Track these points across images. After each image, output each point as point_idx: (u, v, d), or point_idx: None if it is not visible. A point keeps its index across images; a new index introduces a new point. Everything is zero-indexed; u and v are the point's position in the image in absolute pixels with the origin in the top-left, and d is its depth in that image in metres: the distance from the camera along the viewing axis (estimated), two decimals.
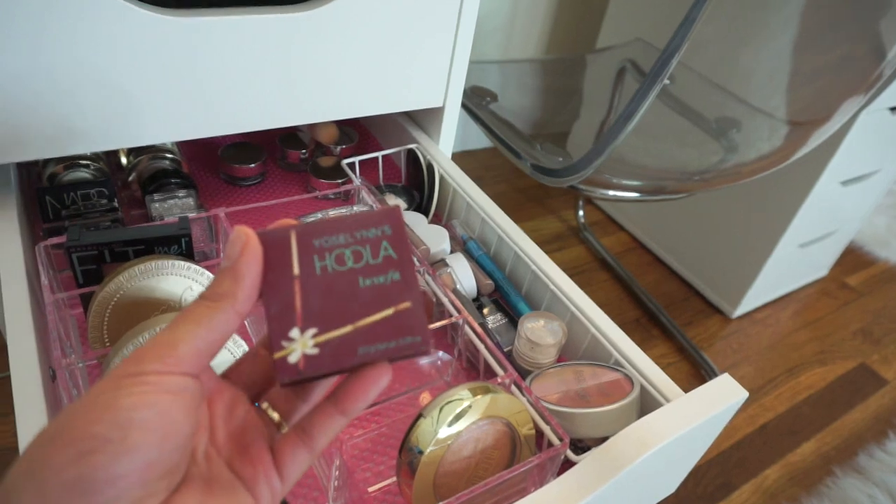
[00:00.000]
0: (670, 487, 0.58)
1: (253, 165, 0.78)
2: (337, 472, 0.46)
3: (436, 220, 0.76)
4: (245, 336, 0.57)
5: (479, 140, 1.84)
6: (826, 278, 1.65)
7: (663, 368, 0.56)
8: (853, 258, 1.73)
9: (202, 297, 0.26)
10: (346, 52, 0.65)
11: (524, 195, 1.75)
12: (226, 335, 0.26)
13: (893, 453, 1.22)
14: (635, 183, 1.04)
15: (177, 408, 0.24)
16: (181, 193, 0.67)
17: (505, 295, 0.67)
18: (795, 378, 1.35)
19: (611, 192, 1.03)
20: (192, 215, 0.57)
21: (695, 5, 0.71)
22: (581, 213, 1.66)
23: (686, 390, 0.52)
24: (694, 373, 1.31)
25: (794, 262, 1.45)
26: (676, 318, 1.42)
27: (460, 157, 1.75)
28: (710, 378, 1.28)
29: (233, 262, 0.27)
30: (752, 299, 1.44)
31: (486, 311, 0.65)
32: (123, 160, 0.73)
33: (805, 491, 1.13)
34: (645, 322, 1.41)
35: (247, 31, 0.58)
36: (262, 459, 0.28)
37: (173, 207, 0.66)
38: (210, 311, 0.26)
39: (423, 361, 0.60)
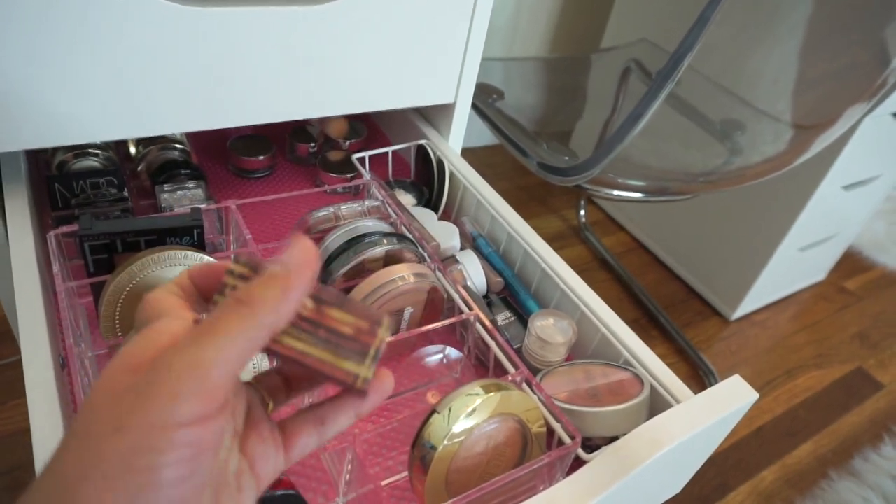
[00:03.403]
0: (676, 488, 0.58)
1: (262, 158, 0.77)
2: (349, 466, 0.46)
3: (445, 216, 0.76)
4: None
5: (480, 137, 1.84)
6: (825, 282, 1.66)
7: None
8: (852, 262, 1.74)
9: (238, 300, 0.23)
10: (360, 47, 0.65)
11: (526, 193, 1.75)
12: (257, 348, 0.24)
13: (888, 457, 1.23)
14: (640, 183, 1.04)
15: (214, 458, 0.23)
16: (190, 184, 0.67)
17: (514, 292, 0.67)
18: (793, 381, 1.36)
19: (615, 192, 1.03)
20: (203, 207, 0.56)
21: (708, 7, 0.71)
22: (582, 212, 1.67)
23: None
24: (692, 374, 1.31)
25: (793, 266, 1.45)
26: (675, 319, 1.43)
27: (462, 155, 1.76)
28: (709, 379, 1.29)
29: (287, 271, 0.24)
30: (750, 302, 1.45)
31: (494, 308, 0.65)
32: (132, 150, 0.72)
33: (800, 493, 1.14)
34: (644, 323, 1.41)
35: (259, 24, 0.58)
36: (269, 436, 0.27)
37: (183, 198, 0.66)
38: (246, 321, 0.23)
39: (432, 358, 0.60)
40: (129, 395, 0.21)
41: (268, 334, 0.24)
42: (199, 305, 0.27)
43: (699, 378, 1.30)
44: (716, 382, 1.34)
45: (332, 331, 0.26)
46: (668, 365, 1.39)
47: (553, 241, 1.60)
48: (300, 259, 0.25)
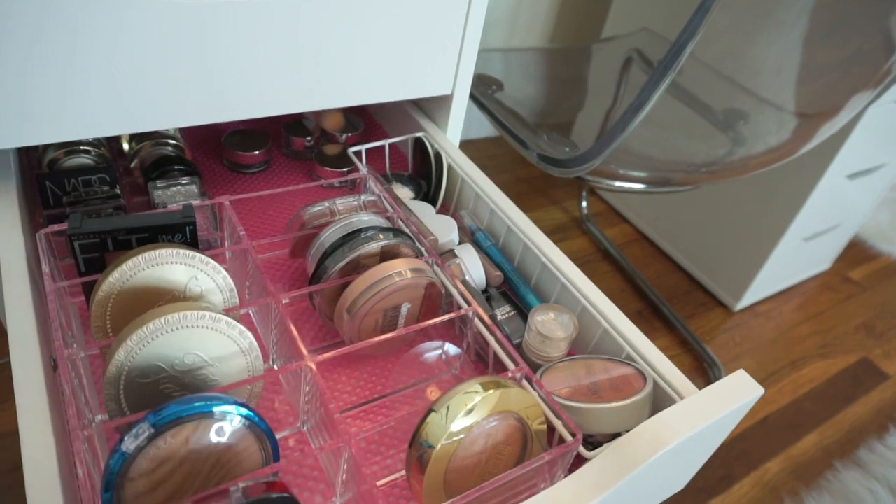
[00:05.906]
0: (680, 484, 0.57)
1: (257, 153, 0.76)
2: (345, 466, 0.45)
3: (443, 210, 0.75)
4: (251, 328, 0.56)
5: (481, 129, 1.83)
6: (829, 272, 1.64)
7: None
8: (856, 252, 1.73)
9: None
10: (355, 39, 0.63)
11: (527, 185, 1.73)
12: None
13: (894, 447, 1.22)
14: (642, 174, 1.03)
15: None
16: (184, 181, 0.65)
17: (514, 287, 0.66)
18: (797, 371, 1.35)
19: (617, 183, 1.02)
20: (196, 203, 0.55)
21: None
22: (584, 203, 1.65)
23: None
24: (696, 366, 1.30)
25: (797, 256, 1.44)
26: (679, 311, 1.42)
27: (462, 147, 1.75)
28: (713, 371, 1.28)
29: None
30: (754, 292, 1.44)
31: (494, 302, 0.64)
32: (125, 146, 0.71)
33: (805, 484, 1.13)
34: (647, 314, 1.40)
35: (253, 16, 0.57)
36: None
37: (176, 195, 0.65)
38: None
39: (431, 354, 0.59)
40: None
41: None
42: None
43: (703, 370, 1.30)
44: (720, 374, 1.32)
45: None
46: (672, 356, 1.38)
47: (555, 232, 1.59)
48: None
